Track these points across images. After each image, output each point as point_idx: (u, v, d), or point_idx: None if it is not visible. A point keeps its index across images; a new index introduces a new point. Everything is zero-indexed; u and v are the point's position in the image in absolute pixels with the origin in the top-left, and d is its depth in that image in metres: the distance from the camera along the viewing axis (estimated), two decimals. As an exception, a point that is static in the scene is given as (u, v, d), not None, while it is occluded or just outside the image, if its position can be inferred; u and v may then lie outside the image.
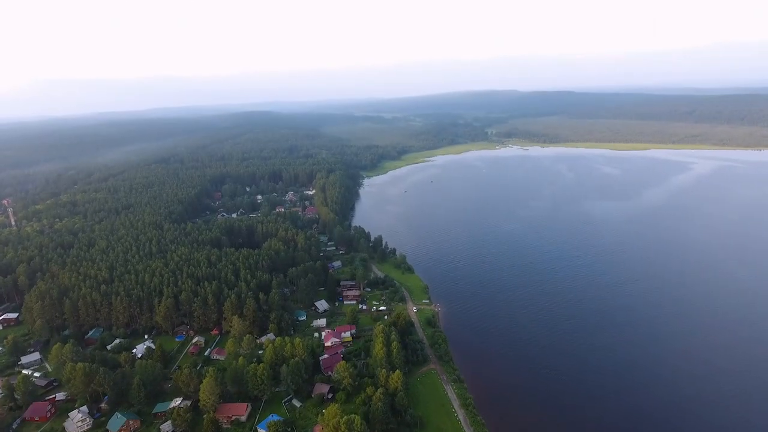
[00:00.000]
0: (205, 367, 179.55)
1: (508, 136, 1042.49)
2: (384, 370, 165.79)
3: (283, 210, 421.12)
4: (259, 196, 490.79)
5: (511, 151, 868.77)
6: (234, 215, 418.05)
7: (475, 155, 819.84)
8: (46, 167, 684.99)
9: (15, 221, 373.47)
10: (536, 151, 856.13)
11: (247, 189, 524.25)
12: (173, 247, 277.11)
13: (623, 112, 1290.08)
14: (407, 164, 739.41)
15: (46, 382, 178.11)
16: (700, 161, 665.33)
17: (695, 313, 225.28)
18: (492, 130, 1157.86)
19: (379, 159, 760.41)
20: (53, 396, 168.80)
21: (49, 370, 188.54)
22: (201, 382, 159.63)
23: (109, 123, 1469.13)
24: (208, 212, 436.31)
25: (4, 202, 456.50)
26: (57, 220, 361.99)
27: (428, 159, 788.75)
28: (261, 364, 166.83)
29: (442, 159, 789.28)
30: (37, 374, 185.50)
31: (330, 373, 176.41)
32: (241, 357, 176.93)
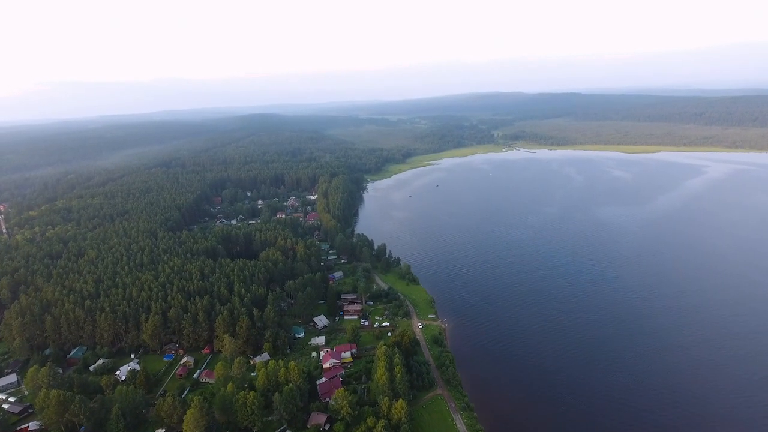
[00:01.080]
0: (191, 394, 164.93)
1: (514, 139, 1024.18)
2: (386, 398, 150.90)
3: (284, 216, 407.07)
4: (260, 202, 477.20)
5: (518, 153, 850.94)
6: (233, 221, 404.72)
7: (482, 158, 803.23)
8: (47, 171, 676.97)
9: (6, 228, 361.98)
10: (544, 153, 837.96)
11: (248, 194, 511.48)
12: (166, 258, 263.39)
13: (632, 114, 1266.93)
14: (412, 167, 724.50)
15: (21, 408, 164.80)
16: (714, 164, 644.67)
17: (714, 321, 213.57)
18: (498, 132, 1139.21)
19: (383, 162, 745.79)
20: (26, 426, 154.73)
21: (26, 394, 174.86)
22: (185, 411, 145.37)
23: (114, 126, 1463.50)
24: (206, 218, 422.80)
25: (0, 207, 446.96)
26: (50, 227, 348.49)
27: (434, 162, 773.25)
28: (252, 392, 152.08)
29: (447, 162, 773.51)
30: (12, 399, 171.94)
31: (328, 399, 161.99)
32: (230, 382, 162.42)
